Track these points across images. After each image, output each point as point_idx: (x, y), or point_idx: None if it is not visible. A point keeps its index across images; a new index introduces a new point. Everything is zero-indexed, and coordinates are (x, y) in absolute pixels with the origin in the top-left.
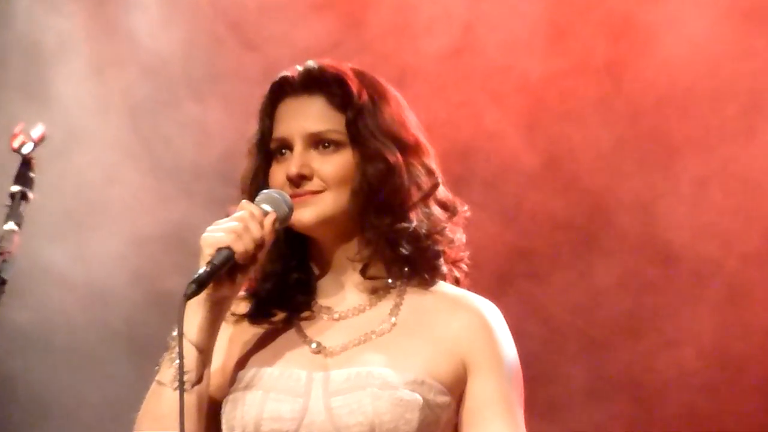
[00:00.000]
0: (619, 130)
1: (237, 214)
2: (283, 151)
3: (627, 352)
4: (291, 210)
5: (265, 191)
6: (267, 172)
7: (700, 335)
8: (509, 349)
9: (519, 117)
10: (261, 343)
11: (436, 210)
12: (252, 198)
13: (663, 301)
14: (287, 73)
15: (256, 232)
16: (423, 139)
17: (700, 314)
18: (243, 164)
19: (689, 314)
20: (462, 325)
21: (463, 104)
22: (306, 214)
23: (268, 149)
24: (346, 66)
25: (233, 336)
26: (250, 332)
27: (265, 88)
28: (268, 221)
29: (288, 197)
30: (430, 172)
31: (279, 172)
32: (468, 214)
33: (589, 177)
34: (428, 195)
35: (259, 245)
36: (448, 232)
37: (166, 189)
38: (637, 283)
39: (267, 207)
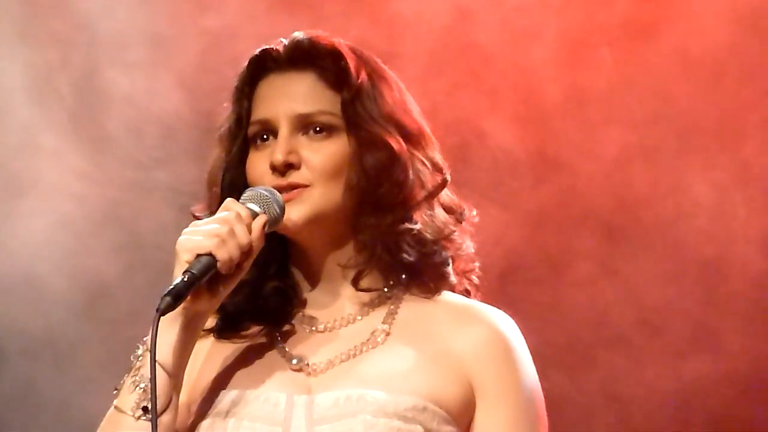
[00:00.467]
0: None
1: (220, 215)
2: (265, 136)
3: (643, 363)
4: (283, 211)
5: (252, 188)
6: (242, 162)
7: (728, 342)
8: (528, 373)
9: (517, 105)
10: (233, 362)
11: (441, 213)
12: (226, 194)
13: (681, 306)
14: (270, 45)
15: (242, 237)
16: (427, 129)
17: (728, 319)
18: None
19: (715, 319)
20: (470, 340)
21: (458, 87)
22: (291, 215)
23: (245, 135)
24: (340, 40)
25: (198, 354)
26: (219, 349)
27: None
28: (257, 224)
29: (279, 197)
30: (436, 167)
31: (259, 161)
32: (476, 219)
33: (600, 173)
34: (435, 193)
35: (246, 252)
36: (456, 238)
37: (95, 169)
38: (655, 284)
39: (255, 207)
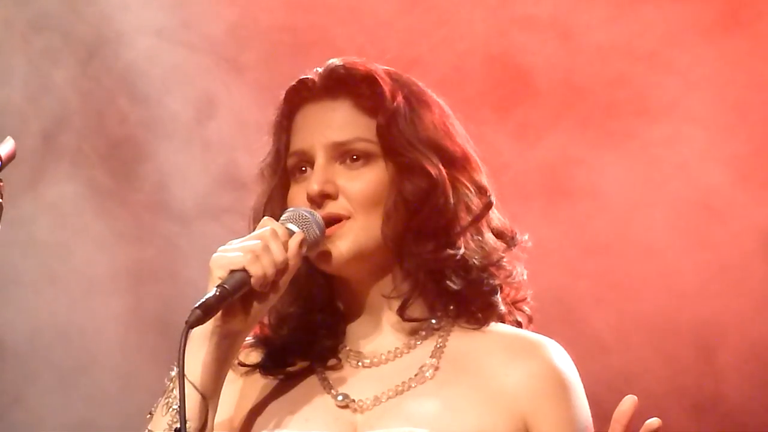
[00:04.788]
0: None
1: (257, 232)
2: (303, 167)
3: None
4: (323, 233)
5: (292, 208)
6: (284, 195)
7: None
8: (582, 407)
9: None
10: (276, 398)
11: (490, 238)
12: None
13: None
14: (306, 75)
15: (278, 253)
16: (472, 152)
17: None
18: None
19: None
20: (524, 375)
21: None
22: (333, 252)
23: (285, 168)
24: (376, 65)
25: (243, 390)
26: (263, 384)
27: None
28: (294, 242)
29: (320, 219)
30: (481, 191)
31: (298, 193)
32: (530, 244)
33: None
34: (480, 217)
35: (281, 270)
36: (506, 264)
37: None
38: None
39: (293, 227)
